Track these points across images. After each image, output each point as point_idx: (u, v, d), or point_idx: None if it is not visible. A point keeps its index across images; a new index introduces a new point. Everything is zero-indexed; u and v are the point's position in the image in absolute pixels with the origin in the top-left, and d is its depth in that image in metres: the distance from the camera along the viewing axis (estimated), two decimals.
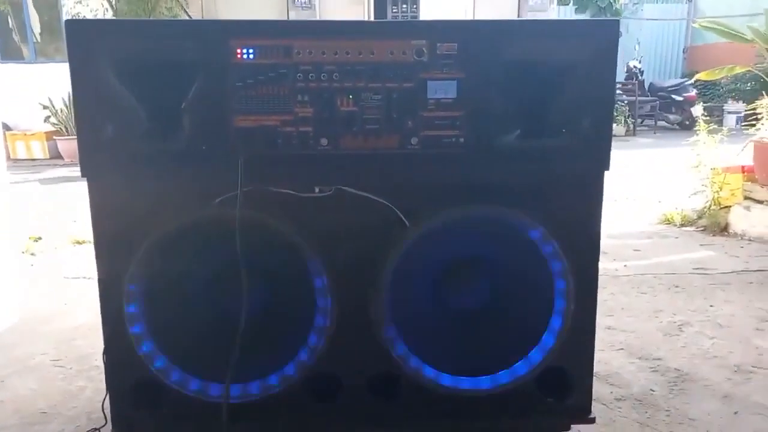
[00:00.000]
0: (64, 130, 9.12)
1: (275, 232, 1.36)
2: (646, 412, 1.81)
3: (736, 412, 1.81)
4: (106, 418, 1.49)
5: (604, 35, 1.31)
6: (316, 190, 1.38)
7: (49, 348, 2.32)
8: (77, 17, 8.83)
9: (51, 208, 5.23)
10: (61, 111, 9.10)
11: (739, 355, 2.18)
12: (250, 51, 1.29)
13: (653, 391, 1.94)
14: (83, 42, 1.27)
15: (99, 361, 2.14)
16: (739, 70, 4.49)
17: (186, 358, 1.41)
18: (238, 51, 1.29)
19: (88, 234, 4.21)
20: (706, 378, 2.02)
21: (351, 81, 1.32)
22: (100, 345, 2.13)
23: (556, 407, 1.50)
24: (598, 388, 1.92)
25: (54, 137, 9.14)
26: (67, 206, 5.33)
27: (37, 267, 3.50)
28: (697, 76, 4.94)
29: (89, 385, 2.01)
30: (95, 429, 1.59)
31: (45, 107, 9.00)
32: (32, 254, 3.82)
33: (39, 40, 10.21)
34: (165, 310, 1.39)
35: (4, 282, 2.59)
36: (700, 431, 1.71)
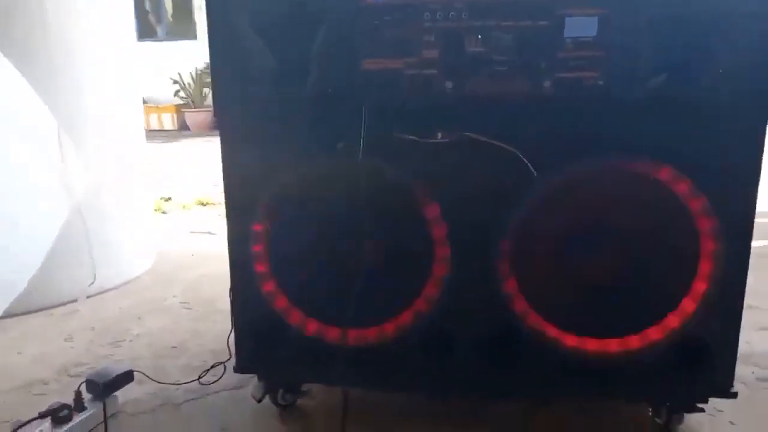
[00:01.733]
0: (191, 103, 9.76)
1: (395, 179, 1.33)
2: None
3: None
4: (230, 352, 1.57)
5: None
6: (440, 135, 1.33)
7: (179, 292, 2.49)
8: None
9: (179, 172, 5.61)
10: (189, 86, 9.73)
11: None
12: None
13: None
14: None
15: (223, 305, 2.27)
16: None
17: (306, 299, 1.44)
18: None
19: (212, 196, 4.49)
20: None
21: (480, 19, 1.25)
22: (223, 291, 2.26)
23: (692, 379, 1.37)
24: (738, 368, 1.74)
25: (182, 110, 9.80)
26: (194, 172, 5.71)
27: (167, 223, 3.77)
28: None
29: (213, 326, 2.13)
30: (220, 362, 1.68)
31: (175, 82, 9.66)
32: (163, 212, 4.12)
33: (171, 20, 10.90)
34: (288, 251, 1.42)
35: (141, 232, 2.80)
36: None
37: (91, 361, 1.89)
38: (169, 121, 9.95)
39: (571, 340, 1.37)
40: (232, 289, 1.48)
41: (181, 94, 9.78)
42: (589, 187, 1.31)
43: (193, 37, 10.40)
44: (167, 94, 9.78)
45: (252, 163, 1.39)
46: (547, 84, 1.26)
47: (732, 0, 1.18)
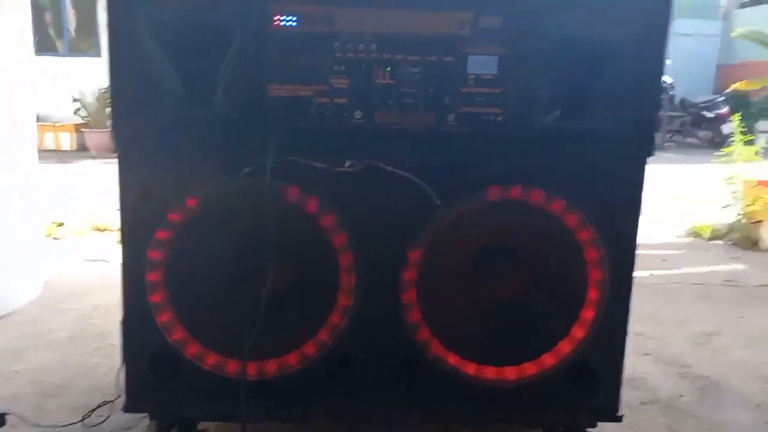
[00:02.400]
0: (92, 123, 9.27)
1: (303, 207, 1.32)
2: (674, 416, 1.74)
3: (767, 421, 1.73)
4: (118, 389, 1.47)
5: (655, 9, 1.26)
6: (347, 164, 1.34)
7: (68, 324, 2.31)
8: None
9: (74, 196, 5.28)
10: (91, 104, 9.25)
11: None
12: (289, 17, 1.27)
13: (681, 396, 1.87)
14: (122, 4, 1.26)
15: (116, 339, 2.13)
16: None
17: (205, 331, 1.38)
18: (277, 17, 1.27)
19: (110, 222, 4.25)
20: (737, 387, 1.94)
21: (389, 53, 1.28)
22: (117, 324, 2.13)
23: (582, 403, 1.44)
24: (625, 393, 1.83)
25: (82, 129, 9.29)
26: (91, 196, 5.38)
27: (58, 250, 3.52)
28: (733, 86, 4.82)
29: (104, 361, 2.00)
30: (107, 401, 1.57)
31: (76, 100, 9.16)
32: (55, 238, 3.85)
33: (74, 35, 10.40)
34: (186, 281, 1.36)
35: (28, 258, 2.59)
36: None
37: None
38: (66, 141, 9.39)
39: (470, 368, 1.40)
40: (123, 320, 1.39)
41: (82, 112, 9.29)
42: (487, 218, 1.36)
43: (98, 54, 9.96)
44: (66, 113, 9.25)
45: (151, 185, 1.33)
46: (450, 117, 1.31)
47: (616, 44, 1.28)
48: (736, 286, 3.08)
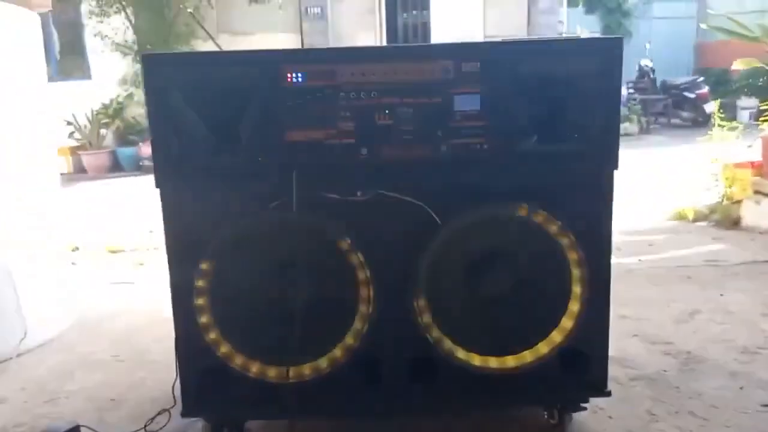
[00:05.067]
0: (88, 144, 9.46)
1: (324, 231, 1.55)
2: (659, 389, 1.97)
3: (741, 387, 1.96)
4: (174, 399, 1.69)
5: (609, 50, 1.49)
6: (359, 194, 1.57)
7: (107, 345, 2.53)
8: (100, 35, 9.15)
9: (83, 219, 5.48)
10: (85, 127, 9.44)
11: (746, 338, 2.34)
12: (299, 75, 1.49)
13: (665, 371, 2.10)
14: (157, 72, 1.48)
15: (155, 356, 2.36)
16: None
17: (247, 344, 1.60)
18: (289, 75, 1.49)
19: (122, 243, 4.45)
20: (715, 359, 2.18)
21: (387, 98, 1.51)
22: (152, 341, 2.36)
23: (575, 383, 1.67)
24: (614, 371, 2.09)
25: (78, 152, 9.47)
26: (99, 217, 5.60)
27: (79, 274, 3.72)
28: (734, 65, 4.93)
29: (149, 375, 2.22)
30: (164, 410, 1.79)
31: (69, 123, 9.34)
32: (72, 263, 4.05)
33: (59, 58, 10.54)
34: (228, 302, 1.58)
35: (60, 285, 2.81)
36: (708, 404, 1.87)
37: (29, 420, 1.93)
38: (63, 164, 9.56)
39: (477, 360, 1.63)
40: (176, 339, 1.61)
41: (76, 135, 9.47)
42: (482, 230, 1.59)
43: (87, 77, 10.13)
44: (60, 136, 9.42)
45: (191, 223, 1.56)
46: (443, 148, 1.54)
47: (579, 79, 1.51)
48: (717, 265, 3.32)
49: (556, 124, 1.55)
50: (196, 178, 1.54)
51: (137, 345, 2.51)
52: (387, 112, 1.52)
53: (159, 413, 1.80)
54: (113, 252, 4.33)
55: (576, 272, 1.60)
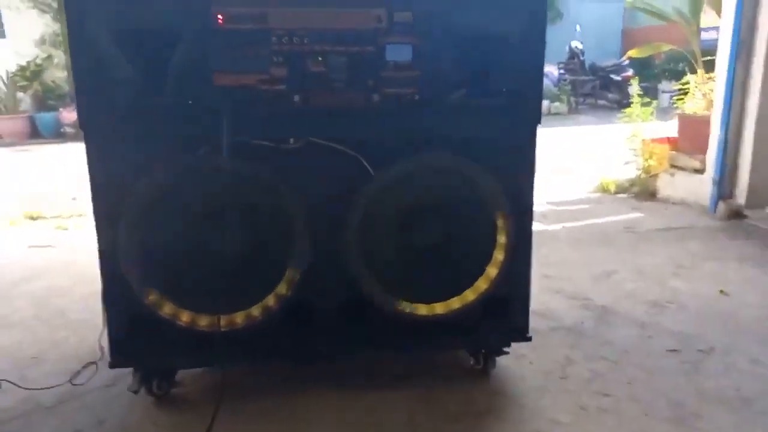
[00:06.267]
0: (3, 108, 8.87)
1: (256, 178, 1.55)
2: (575, 338, 2.10)
3: (650, 336, 2.12)
4: (102, 351, 1.65)
5: (533, 6, 1.55)
6: (291, 141, 1.56)
7: (26, 306, 2.43)
8: None
9: None
10: (0, 90, 8.85)
11: (656, 294, 2.51)
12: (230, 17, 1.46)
13: (582, 322, 2.24)
14: (80, 6, 1.42)
15: (76, 315, 2.29)
16: (665, 47, 4.88)
17: (178, 292, 1.58)
18: (219, 17, 1.46)
19: (42, 210, 4.24)
20: (627, 312, 2.33)
21: (319, 45, 1.51)
22: (73, 302, 2.28)
23: (498, 328, 1.75)
24: (536, 323, 2.19)
25: None
26: (16, 184, 5.29)
27: None
28: (628, 53, 5.32)
29: (72, 335, 2.15)
30: (91, 362, 1.75)
31: None
32: None
33: None
34: (157, 249, 1.55)
35: None
36: (619, 349, 2.01)
37: None
38: None
39: (407, 307, 1.68)
40: (103, 290, 1.57)
41: None
42: (411, 180, 1.62)
43: (1, 35, 9.45)
44: None
45: (119, 168, 1.51)
46: (375, 98, 1.55)
47: (506, 35, 1.56)
48: (633, 232, 3.52)
49: (484, 77, 1.60)
50: (123, 119, 1.49)
51: (58, 306, 2.42)
52: (320, 59, 1.52)
53: (85, 366, 1.76)
54: (32, 218, 4.12)
55: (501, 222, 1.67)
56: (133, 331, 1.59)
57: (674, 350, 2.01)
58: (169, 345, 1.61)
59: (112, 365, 1.59)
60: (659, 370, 1.89)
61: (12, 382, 1.72)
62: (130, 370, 1.66)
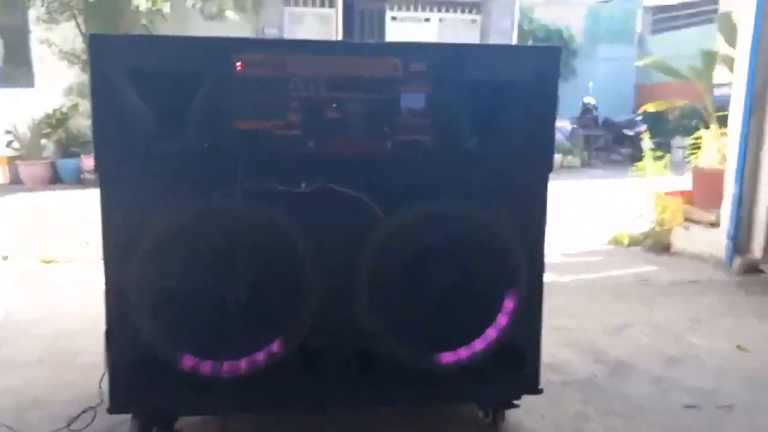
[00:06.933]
0: (26, 155, 9.09)
1: (268, 221, 1.55)
2: (589, 392, 2.04)
3: (665, 391, 2.06)
4: (101, 396, 1.62)
5: (547, 59, 1.58)
6: (303, 185, 1.58)
7: (35, 349, 2.41)
8: (46, 42, 8.91)
9: (15, 229, 5.25)
10: (25, 136, 9.09)
11: (671, 348, 2.45)
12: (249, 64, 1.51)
13: (596, 376, 2.18)
14: (103, 53, 1.47)
15: (84, 359, 2.27)
16: (679, 103, 4.92)
17: (181, 337, 1.57)
18: (238, 64, 1.51)
19: (57, 254, 4.28)
20: (642, 366, 2.27)
21: (335, 92, 1.55)
22: (83, 346, 2.26)
23: (508, 379, 1.71)
24: (548, 375, 2.14)
25: (15, 162, 9.09)
26: (32, 228, 5.36)
27: (7, 282, 3.55)
28: (642, 108, 5.37)
29: (79, 378, 2.12)
30: (90, 407, 1.71)
31: (8, 132, 8.98)
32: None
33: (2, 65, 10.16)
34: (164, 294, 1.55)
35: None
36: (634, 405, 1.95)
37: None
38: None
39: (414, 355, 1.65)
40: (107, 332, 1.56)
41: (15, 144, 9.09)
42: (423, 225, 1.62)
43: (30, 85, 9.79)
44: None
45: (131, 210, 1.53)
46: (388, 144, 1.58)
47: (518, 85, 1.59)
48: (648, 284, 3.47)
49: (496, 126, 1.62)
50: (140, 162, 1.52)
51: (67, 349, 2.40)
52: (335, 105, 1.55)
53: (84, 411, 1.72)
54: (47, 262, 4.15)
55: (511, 270, 1.65)
56: (134, 375, 1.56)
57: (692, 406, 1.94)
58: (170, 390, 1.58)
59: (111, 410, 1.56)
60: (677, 427, 1.82)
61: (7, 426, 1.69)
62: (129, 416, 1.63)
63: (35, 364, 2.26)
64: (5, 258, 4.16)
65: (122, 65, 1.47)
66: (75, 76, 9.44)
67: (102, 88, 1.49)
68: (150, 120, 1.51)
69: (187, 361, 1.58)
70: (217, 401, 1.56)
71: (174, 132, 1.52)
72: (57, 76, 9.39)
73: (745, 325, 2.74)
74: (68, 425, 1.72)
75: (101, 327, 1.56)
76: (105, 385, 1.60)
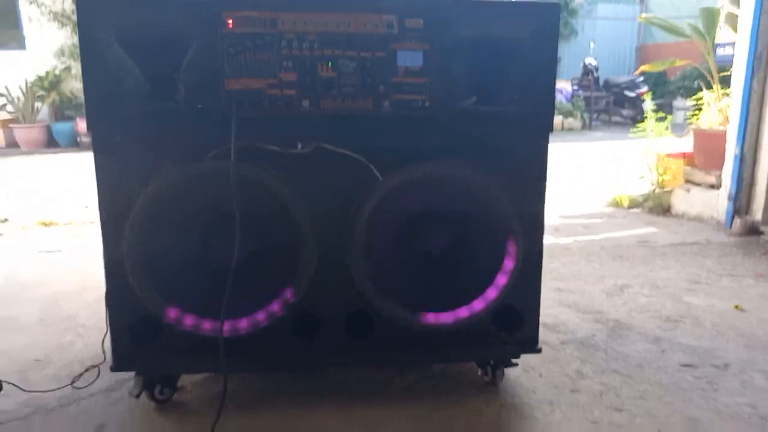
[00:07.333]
0: (21, 118, 9.00)
1: (264, 183, 1.53)
2: (587, 351, 2.05)
3: (663, 350, 2.07)
4: (104, 355, 1.63)
5: (546, 16, 1.53)
6: (299, 146, 1.55)
7: (34, 310, 2.42)
8: (36, 3, 8.71)
9: (12, 192, 5.23)
10: (18, 99, 8.97)
11: (670, 309, 2.46)
12: (240, 21, 1.46)
13: (594, 336, 2.19)
14: (92, 11, 1.42)
15: (84, 320, 2.28)
16: (679, 63, 4.84)
17: (181, 297, 1.57)
18: (229, 21, 1.46)
19: (56, 217, 4.28)
20: (640, 326, 2.28)
21: (330, 49, 1.50)
22: (83, 307, 2.27)
23: (507, 339, 1.72)
24: (547, 336, 2.16)
25: (10, 125, 9.00)
26: (31, 191, 5.34)
27: (7, 245, 3.55)
28: (641, 68, 5.28)
29: (78, 339, 2.14)
30: (93, 366, 1.73)
31: (1, 95, 8.86)
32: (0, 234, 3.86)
33: None
34: (163, 254, 1.54)
35: None
36: (632, 364, 1.96)
37: None
38: None
39: (413, 316, 1.65)
40: (107, 293, 1.56)
41: (9, 108, 8.98)
42: (421, 187, 1.60)
43: (22, 47, 9.61)
44: None
45: (126, 172, 1.51)
46: (385, 104, 1.54)
47: (518, 44, 1.55)
48: (648, 246, 3.47)
49: (495, 86, 1.58)
50: (131, 123, 1.48)
51: (66, 310, 2.41)
52: (330, 64, 1.51)
53: (87, 369, 1.74)
54: (45, 225, 4.15)
55: (511, 230, 1.64)
56: (136, 335, 1.57)
57: (689, 365, 1.96)
58: (172, 350, 1.59)
59: (114, 368, 1.57)
60: (673, 385, 1.83)
61: (12, 384, 1.71)
62: (132, 374, 1.64)
63: (35, 325, 2.27)
64: (4, 221, 4.16)
65: (111, 24, 1.43)
66: (66, 37, 9.27)
67: (91, 49, 1.44)
68: (141, 81, 1.47)
69: (188, 321, 1.58)
70: (217, 360, 1.56)
71: (166, 92, 1.48)
72: (48, 38, 9.23)
73: (743, 285, 2.75)
74: (72, 383, 1.74)
75: (101, 287, 1.55)
76: (108, 344, 1.61)
